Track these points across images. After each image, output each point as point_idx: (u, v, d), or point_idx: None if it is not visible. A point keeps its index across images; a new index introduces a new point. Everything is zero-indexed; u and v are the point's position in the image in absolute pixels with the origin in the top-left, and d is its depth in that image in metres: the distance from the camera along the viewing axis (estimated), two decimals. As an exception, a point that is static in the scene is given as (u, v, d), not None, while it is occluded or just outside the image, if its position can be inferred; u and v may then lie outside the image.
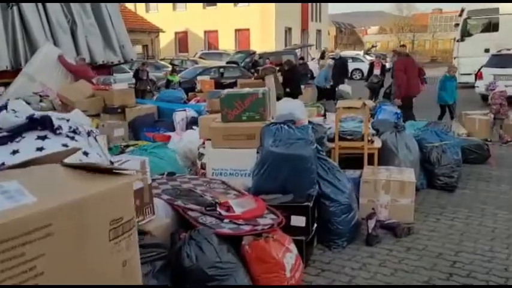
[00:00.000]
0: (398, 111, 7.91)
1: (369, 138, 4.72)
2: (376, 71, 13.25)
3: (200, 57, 27.33)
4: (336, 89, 12.76)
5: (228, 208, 2.92)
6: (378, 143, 4.85)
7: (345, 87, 13.01)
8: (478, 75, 14.19)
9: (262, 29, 31.02)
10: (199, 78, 12.42)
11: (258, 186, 3.54)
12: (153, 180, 3.44)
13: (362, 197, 4.15)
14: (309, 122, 6.34)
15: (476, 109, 9.85)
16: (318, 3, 37.53)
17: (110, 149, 5.56)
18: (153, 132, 6.75)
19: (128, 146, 6.11)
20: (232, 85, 11.66)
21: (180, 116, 6.98)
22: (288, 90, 10.67)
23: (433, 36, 62.41)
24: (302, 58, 15.27)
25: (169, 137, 6.03)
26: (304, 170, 3.46)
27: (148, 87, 13.61)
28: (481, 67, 17.25)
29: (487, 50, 17.39)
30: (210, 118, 4.31)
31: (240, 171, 3.83)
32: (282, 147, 3.46)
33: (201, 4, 32.59)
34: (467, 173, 5.71)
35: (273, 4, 30.55)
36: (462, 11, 17.95)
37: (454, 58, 18.26)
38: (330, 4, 46.04)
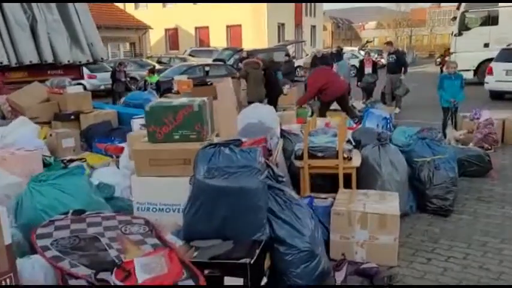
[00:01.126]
0: (388, 115, 7.07)
1: (345, 156, 3.87)
2: (368, 69, 12.40)
3: (190, 55, 26.43)
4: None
5: (129, 273, 2.08)
6: (356, 161, 3.99)
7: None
8: (488, 70, 13.35)
9: (255, 25, 30.10)
10: (176, 78, 11.52)
11: (190, 229, 2.70)
12: (50, 222, 2.60)
13: (333, 232, 3.31)
14: (283, 132, 5.54)
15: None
16: (313, -2, 36.60)
17: (48, 165, 4.74)
18: (106, 143, 5.90)
19: (72, 161, 5.27)
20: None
21: (138, 124, 6.12)
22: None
23: (431, 31, 61.57)
24: (288, 55, 14.33)
25: (122, 149, 5.19)
26: (249, 208, 2.62)
27: (126, 89, 12.69)
28: (481, 62, 16.53)
29: (486, 45, 16.54)
30: (142, 134, 3.47)
31: (173, 207, 2.99)
32: (219, 178, 2.61)
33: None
34: (465, 190, 4.88)
35: (265, -1, 29.63)
36: (460, 4, 17.08)
37: (452, 53, 17.40)
38: (327, 2, 45.12)
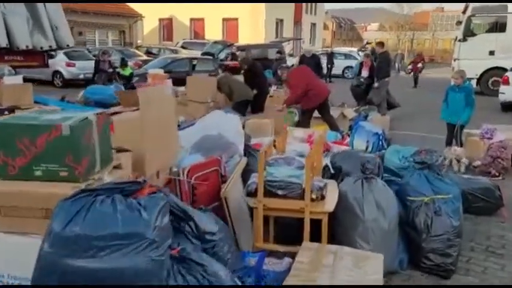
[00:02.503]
0: (380, 130, 6.04)
1: (314, 196, 2.82)
2: (364, 73, 11.37)
3: (182, 47, 25.31)
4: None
5: None
6: (329, 203, 2.95)
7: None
8: (504, 80, 12.33)
9: (252, 20, 28.97)
10: (150, 71, 10.45)
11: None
12: None
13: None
14: (248, 148, 4.51)
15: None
16: (314, -5, 35.47)
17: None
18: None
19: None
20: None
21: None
22: (254, 91, 8.78)
23: (433, 35, 60.66)
24: (280, 52, 13.26)
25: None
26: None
27: (109, 80, 11.41)
28: (485, 70, 15.52)
29: (491, 53, 15.56)
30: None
31: (28, 281, 1.95)
32: (79, 253, 1.58)
33: (187, -11, 30.43)
34: (469, 235, 3.87)
35: (264, -8, 28.50)
36: (466, 7, 16.05)
37: (454, 60, 16.39)
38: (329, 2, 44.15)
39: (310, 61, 10.91)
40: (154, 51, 23.05)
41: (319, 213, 2.82)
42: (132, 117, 2.69)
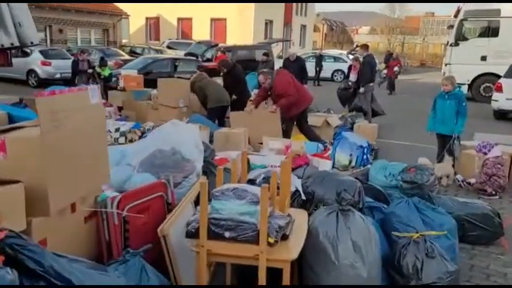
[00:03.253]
0: (365, 143, 5.44)
1: (271, 240, 2.18)
2: (352, 76, 10.81)
3: (168, 47, 24.64)
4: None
5: None
6: (293, 248, 2.30)
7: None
8: (497, 87, 11.80)
9: (240, 20, 28.37)
10: (123, 72, 9.76)
11: None
12: None
13: None
14: (209, 166, 3.87)
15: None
16: (305, -3, 34.96)
17: None
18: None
19: None
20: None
21: None
22: (234, 97, 8.15)
23: (424, 40, 60.68)
24: (266, 54, 12.62)
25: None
26: None
27: (91, 81, 10.54)
28: (477, 76, 15.08)
29: (483, 58, 15.11)
30: None
31: None
32: None
33: (174, -12, 29.72)
34: (465, 273, 3.27)
35: (253, -7, 27.91)
36: (458, 11, 15.59)
37: (446, 65, 15.92)
38: (321, 3, 43.76)
39: (294, 65, 10.32)
40: (138, 50, 22.32)
41: (278, 261, 2.19)
42: (32, 136, 2.04)
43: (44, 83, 15.17)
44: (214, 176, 3.53)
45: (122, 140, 6.24)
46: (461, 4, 15.47)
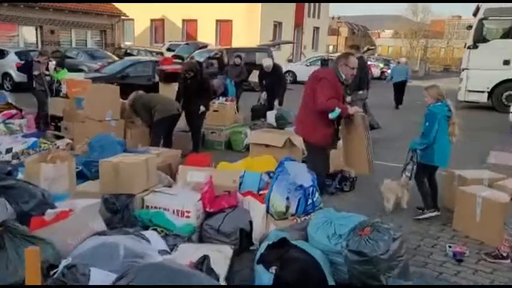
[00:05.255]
0: (310, 181, 3.85)
1: None
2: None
3: (169, 49, 23.46)
4: (274, 105, 8.73)
5: None
6: None
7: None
8: None
9: (247, 22, 26.96)
10: (69, 76, 8.40)
11: None
12: None
13: None
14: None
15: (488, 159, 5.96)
16: (318, -2, 33.31)
17: None
18: None
19: None
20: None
21: None
22: (202, 108, 6.73)
23: (448, 44, 58.16)
24: (239, 57, 10.89)
25: None
26: None
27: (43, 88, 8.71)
28: (499, 83, 13.24)
29: (506, 62, 13.19)
30: None
31: None
32: None
33: (179, -11, 28.58)
34: None
35: (260, -7, 26.49)
36: (478, 9, 13.73)
37: (463, 70, 14.07)
38: (341, 5, 41.99)
39: (271, 76, 8.91)
40: (135, 52, 21.18)
41: None
42: None
43: (20, 88, 14.09)
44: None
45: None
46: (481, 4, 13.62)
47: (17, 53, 14.67)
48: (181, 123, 7.08)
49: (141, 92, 6.49)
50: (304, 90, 4.52)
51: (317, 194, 3.72)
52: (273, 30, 28.82)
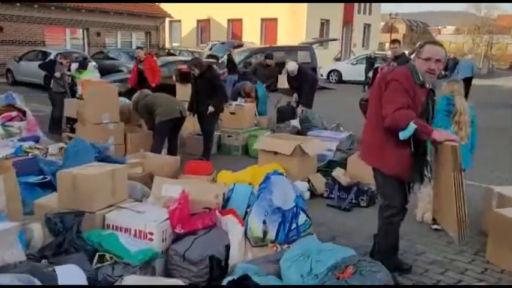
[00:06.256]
0: (291, 203, 3.20)
1: None
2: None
3: (211, 49, 23.29)
4: (299, 108, 8.06)
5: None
6: None
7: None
8: None
9: (292, 20, 26.26)
10: (83, 77, 8.19)
11: None
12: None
13: None
14: None
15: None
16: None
17: None
18: None
19: None
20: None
21: None
22: (211, 108, 6.24)
23: (516, 39, 54.18)
24: (270, 56, 10.16)
25: None
26: None
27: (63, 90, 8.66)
28: None
29: None
30: None
31: None
32: None
33: (225, -12, 28.42)
34: None
35: (306, -9, 25.67)
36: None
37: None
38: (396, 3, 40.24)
39: (298, 79, 8.31)
40: (177, 53, 21.21)
41: None
42: None
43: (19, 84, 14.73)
44: None
45: None
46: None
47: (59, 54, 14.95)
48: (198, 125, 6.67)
49: (146, 91, 6.10)
50: (369, 101, 3.24)
51: (304, 217, 3.06)
52: (319, 28, 27.89)
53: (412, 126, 2.72)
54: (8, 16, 17.48)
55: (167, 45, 27.39)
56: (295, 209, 2.98)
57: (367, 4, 32.01)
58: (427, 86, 3.01)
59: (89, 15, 19.96)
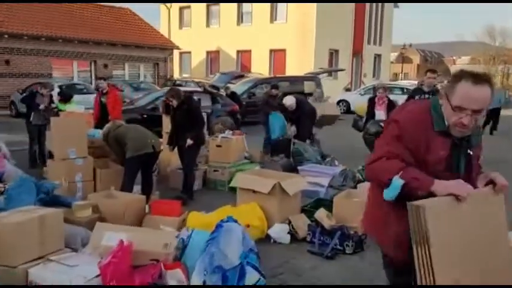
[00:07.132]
0: (238, 258, 2.69)
1: None
2: (379, 113, 7.97)
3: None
4: (295, 141, 7.58)
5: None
6: None
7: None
8: None
9: (301, 50, 26.18)
10: (69, 108, 7.89)
11: None
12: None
13: None
14: None
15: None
16: (379, 25, 31.77)
17: None
18: None
19: None
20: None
21: None
22: (190, 141, 5.85)
23: (533, 69, 53.26)
24: (276, 87, 9.82)
25: None
26: None
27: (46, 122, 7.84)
28: None
29: None
30: None
31: None
32: None
33: (234, 20, 28.62)
34: None
35: (314, 21, 25.63)
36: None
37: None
38: (408, 32, 40.05)
39: (296, 112, 7.94)
40: (183, 84, 21.17)
41: None
42: None
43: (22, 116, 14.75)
44: None
45: None
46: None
47: (60, 87, 14.97)
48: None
49: (119, 122, 5.71)
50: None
51: (255, 276, 2.54)
52: (328, 58, 27.71)
53: (397, 182, 1.93)
54: (15, 49, 17.69)
55: (177, 76, 27.52)
56: (240, 267, 2.47)
57: (377, 34, 31.87)
58: (451, 133, 2.02)
59: (96, 48, 20.13)
